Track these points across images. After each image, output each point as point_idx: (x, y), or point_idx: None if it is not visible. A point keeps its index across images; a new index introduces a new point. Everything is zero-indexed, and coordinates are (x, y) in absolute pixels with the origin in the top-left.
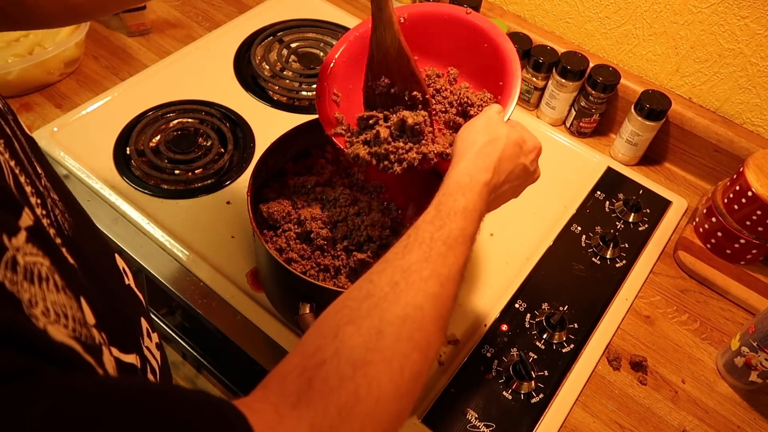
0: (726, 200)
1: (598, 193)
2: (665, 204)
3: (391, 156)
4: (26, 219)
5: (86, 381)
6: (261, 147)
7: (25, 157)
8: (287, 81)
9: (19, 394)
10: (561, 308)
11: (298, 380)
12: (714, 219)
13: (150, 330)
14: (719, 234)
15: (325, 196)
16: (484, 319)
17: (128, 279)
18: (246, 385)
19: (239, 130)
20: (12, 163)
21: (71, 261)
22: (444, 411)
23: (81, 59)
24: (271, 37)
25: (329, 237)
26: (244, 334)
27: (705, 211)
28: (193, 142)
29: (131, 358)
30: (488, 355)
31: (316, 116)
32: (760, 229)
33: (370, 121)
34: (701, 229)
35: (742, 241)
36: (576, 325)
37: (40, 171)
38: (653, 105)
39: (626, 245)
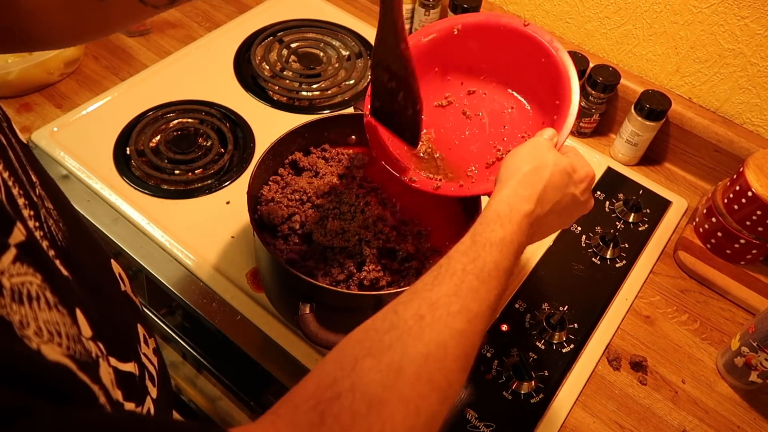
0: (726, 200)
1: (598, 193)
2: (665, 204)
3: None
4: (18, 235)
5: (78, 420)
6: (261, 147)
7: (19, 166)
8: (287, 81)
9: None
10: (561, 308)
11: (311, 413)
12: (714, 219)
13: (147, 336)
14: (719, 234)
15: (325, 196)
16: None
17: (124, 285)
18: (245, 384)
19: (239, 130)
20: (6, 175)
21: (65, 273)
22: None
23: (81, 59)
24: (271, 37)
25: (329, 236)
26: (244, 335)
27: (705, 211)
28: (193, 142)
29: (129, 367)
30: (488, 355)
31: (316, 116)
32: (760, 229)
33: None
34: (701, 229)
35: (742, 241)
36: (576, 326)
37: (34, 179)
38: (653, 105)
39: (626, 245)
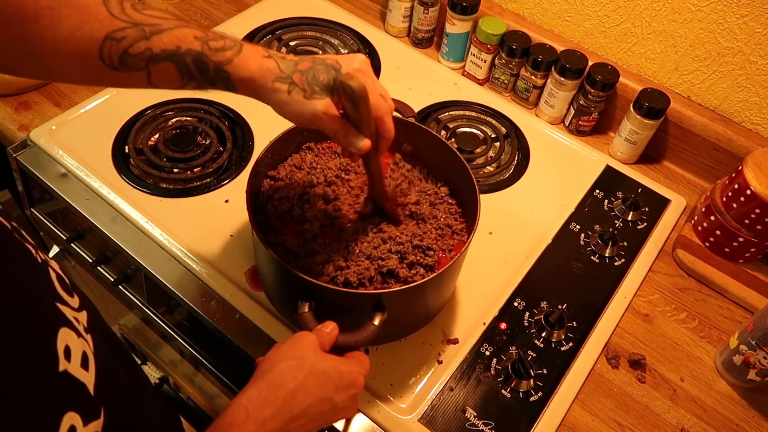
0: (725, 198)
1: (597, 191)
2: (664, 202)
3: None
4: None
5: None
6: (260, 145)
7: None
8: None
9: None
10: (560, 307)
11: None
12: (712, 217)
13: (82, 425)
14: (718, 232)
15: (324, 194)
16: (482, 317)
17: (66, 362)
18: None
19: (238, 128)
20: None
21: None
22: (443, 409)
23: None
24: (270, 36)
25: (329, 235)
26: (243, 333)
27: (704, 209)
28: (191, 141)
29: None
30: (487, 353)
31: None
32: (758, 227)
33: None
34: (700, 228)
35: (741, 239)
36: (575, 324)
37: None
38: (652, 103)
39: (625, 244)
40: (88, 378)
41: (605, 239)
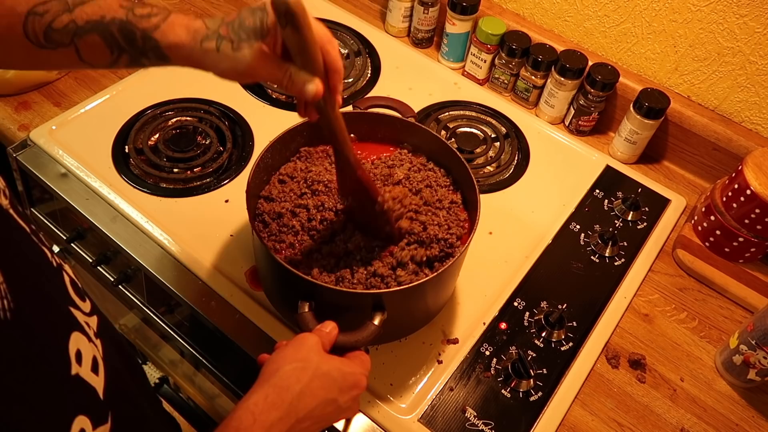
0: (724, 198)
1: (597, 191)
2: (664, 202)
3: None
4: None
5: None
6: (260, 145)
7: None
8: None
9: None
10: (560, 306)
11: None
12: (712, 217)
13: (91, 429)
14: (718, 232)
15: (324, 194)
16: (482, 317)
17: (78, 366)
18: (244, 382)
19: (238, 128)
20: None
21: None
22: (443, 409)
23: None
24: None
25: (329, 235)
26: (243, 333)
27: (703, 209)
28: (191, 141)
29: None
30: (487, 353)
31: None
32: (758, 227)
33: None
34: (700, 228)
35: (741, 239)
36: (575, 324)
37: None
38: (652, 103)
39: (625, 243)
40: (98, 382)
41: (605, 239)
